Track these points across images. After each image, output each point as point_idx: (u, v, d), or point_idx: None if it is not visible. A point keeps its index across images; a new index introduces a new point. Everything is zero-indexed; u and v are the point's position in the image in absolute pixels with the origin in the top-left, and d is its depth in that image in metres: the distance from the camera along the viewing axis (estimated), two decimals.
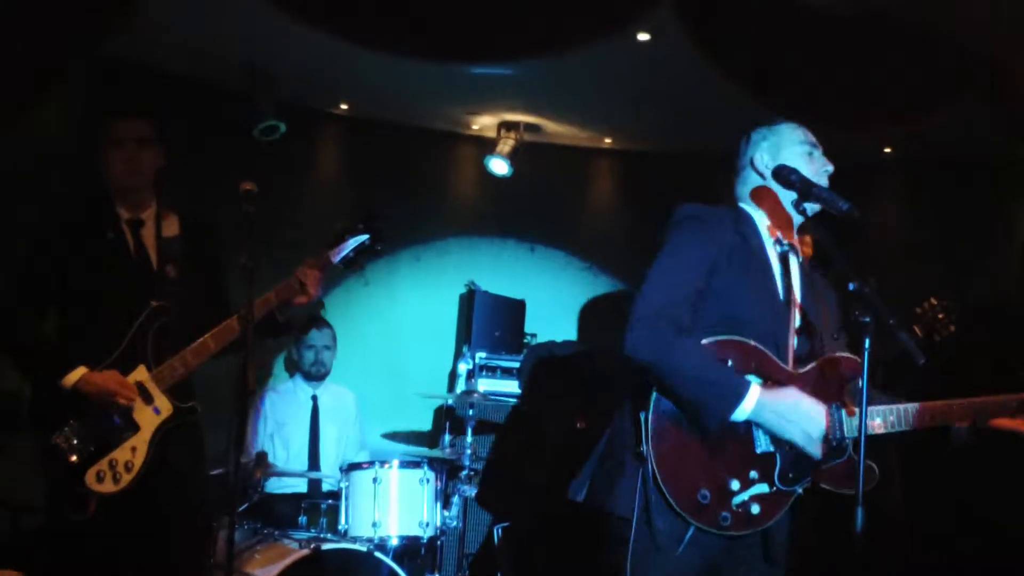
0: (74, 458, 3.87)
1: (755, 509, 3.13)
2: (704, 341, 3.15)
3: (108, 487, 3.90)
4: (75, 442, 3.88)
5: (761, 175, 3.44)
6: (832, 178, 3.41)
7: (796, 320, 3.33)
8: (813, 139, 3.47)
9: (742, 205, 3.48)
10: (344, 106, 8.02)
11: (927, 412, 3.33)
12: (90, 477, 3.88)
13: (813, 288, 3.46)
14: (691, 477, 3.10)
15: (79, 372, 3.91)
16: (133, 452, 3.95)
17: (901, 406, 3.31)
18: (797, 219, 3.42)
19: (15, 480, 5.33)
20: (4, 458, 5.46)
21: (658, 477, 3.07)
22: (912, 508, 5.53)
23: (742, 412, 3.08)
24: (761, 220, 3.43)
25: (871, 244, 7.78)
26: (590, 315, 8.02)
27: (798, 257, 3.46)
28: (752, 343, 3.19)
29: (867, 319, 2.95)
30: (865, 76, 6.17)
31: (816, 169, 3.39)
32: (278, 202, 7.18)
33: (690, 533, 3.10)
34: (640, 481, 3.13)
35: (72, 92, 6.64)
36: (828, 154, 3.46)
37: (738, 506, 3.12)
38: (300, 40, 6.36)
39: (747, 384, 3.09)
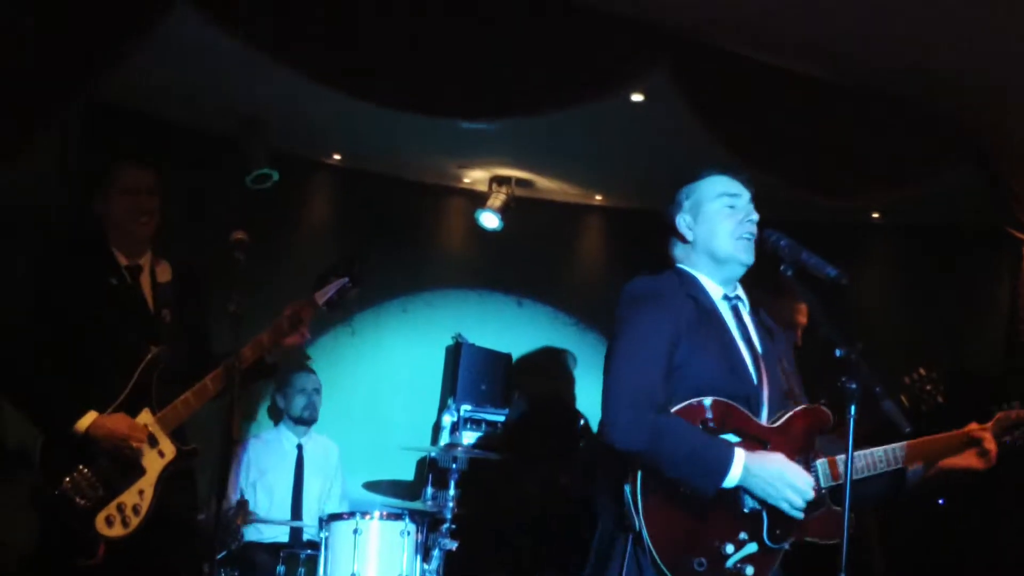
0: (84, 502, 3.89)
1: (749, 571, 3.12)
2: (680, 405, 3.15)
3: (118, 531, 3.93)
4: (84, 487, 3.92)
5: (683, 238, 3.44)
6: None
7: (763, 371, 3.33)
8: (736, 188, 3.42)
9: (680, 266, 3.47)
10: (337, 156, 8.05)
11: (901, 453, 3.42)
12: (100, 522, 3.91)
13: (768, 334, 3.47)
14: (684, 546, 3.08)
15: (90, 417, 3.96)
16: (140, 495, 4.00)
17: (869, 451, 3.37)
18: (736, 271, 3.41)
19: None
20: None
21: (652, 550, 3.04)
22: (892, 565, 5.54)
23: (731, 480, 3.08)
24: (702, 278, 3.42)
25: (856, 309, 7.81)
26: (572, 370, 8.01)
27: (746, 306, 3.46)
28: (728, 402, 3.19)
29: (853, 386, 2.97)
30: (856, 143, 6.23)
31: (738, 220, 3.36)
32: (268, 250, 7.19)
33: None
34: (631, 556, 3.11)
35: (63, 136, 6.67)
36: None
37: (732, 569, 3.11)
38: (293, 90, 6.39)
39: (732, 451, 3.09)
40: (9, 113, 4.73)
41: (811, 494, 3.13)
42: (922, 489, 3.63)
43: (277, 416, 6.73)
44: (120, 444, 3.97)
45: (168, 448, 4.10)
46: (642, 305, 3.30)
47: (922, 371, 5.04)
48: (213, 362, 4.21)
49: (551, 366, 7.92)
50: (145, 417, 4.07)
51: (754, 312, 3.49)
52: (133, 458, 4.01)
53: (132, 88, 6.53)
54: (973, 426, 3.61)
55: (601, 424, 3.16)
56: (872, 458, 3.37)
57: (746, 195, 3.43)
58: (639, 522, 3.06)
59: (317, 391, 6.59)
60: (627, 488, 3.10)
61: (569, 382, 7.83)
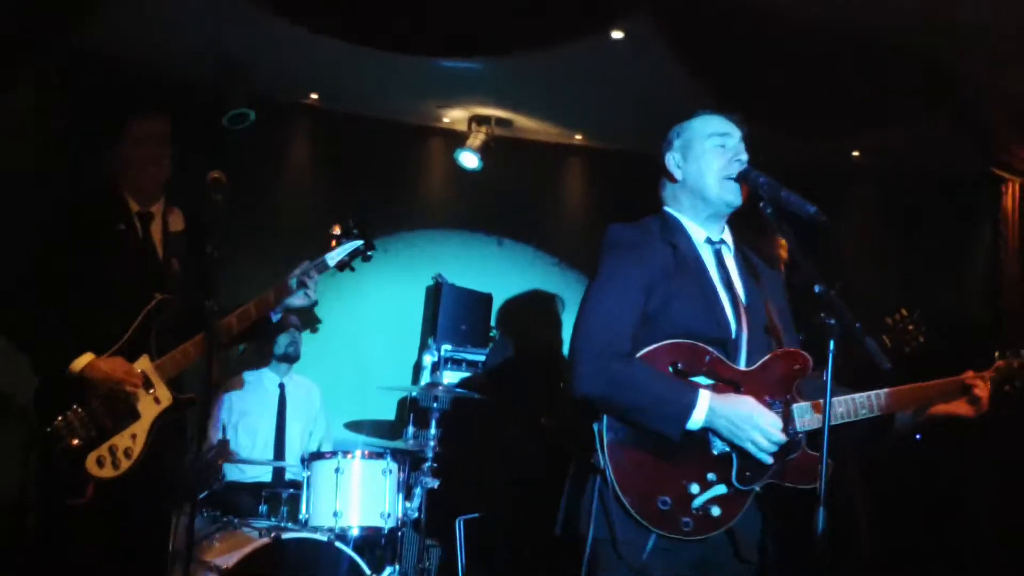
0: (75, 441, 3.92)
1: (715, 511, 3.13)
2: (652, 347, 3.16)
3: (108, 472, 3.95)
4: (77, 427, 3.94)
5: (673, 178, 3.43)
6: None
7: (743, 316, 3.32)
8: (728, 127, 3.41)
9: (666, 209, 3.46)
10: (314, 96, 7.99)
11: (884, 399, 3.36)
12: (90, 462, 3.93)
13: (755, 277, 3.46)
14: (650, 485, 3.10)
15: (86, 358, 3.98)
16: (133, 439, 4.01)
17: (851, 396, 3.33)
18: (722, 211, 3.40)
19: None
20: None
21: (616, 487, 3.07)
22: (874, 509, 5.59)
23: (695, 422, 3.09)
24: (686, 222, 3.41)
25: (836, 251, 7.83)
26: (557, 311, 8.03)
27: (731, 250, 3.46)
28: (700, 345, 3.19)
29: (832, 322, 2.98)
30: (836, 85, 6.22)
31: (727, 160, 3.34)
32: (247, 193, 7.16)
33: (652, 541, 3.09)
34: (597, 494, 3.13)
35: (40, 85, 6.63)
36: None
37: (698, 509, 3.12)
38: (270, 30, 6.33)
39: (695, 393, 3.10)
40: None
41: (780, 436, 3.13)
42: (909, 435, 3.63)
43: (260, 360, 6.71)
44: (115, 387, 3.98)
45: (164, 395, 4.10)
46: (615, 254, 3.30)
47: (904, 312, 5.06)
48: (220, 315, 4.18)
49: (533, 307, 7.94)
50: (143, 363, 4.08)
51: (741, 256, 3.48)
52: (128, 402, 4.02)
53: (108, 35, 6.48)
54: (969, 374, 3.55)
55: (568, 371, 3.19)
56: (853, 404, 3.33)
57: (737, 134, 3.41)
58: (604, 459, 3.09)
59: (298, 328, 6.60)
60: (595, 427, 3.14)
61: (551, 323, 7.84)
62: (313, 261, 4.33)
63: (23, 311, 4.09)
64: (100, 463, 3.94)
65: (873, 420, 3.39)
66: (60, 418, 3.93)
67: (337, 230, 4.43)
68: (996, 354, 3.65)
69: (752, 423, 3.11)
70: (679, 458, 3.13)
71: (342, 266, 4.43)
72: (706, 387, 3.15)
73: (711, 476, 3.15)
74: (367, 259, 4.47)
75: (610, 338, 3.15)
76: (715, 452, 3.16)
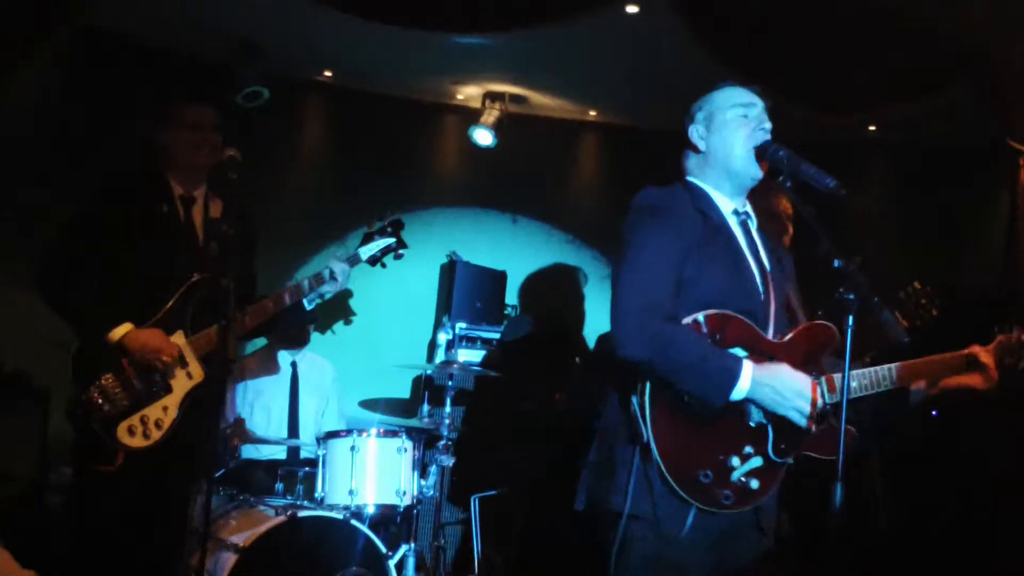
0: (107, 408, 4.01)
1: (754, 484, 3.14)
2: (691, 317, 3.15)
3: (138, 442, 4.05)
4: (110, 394, 4.03)
5: (696, 148, 3.44)
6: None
7: (771, 288, 3.34)
8: (750, 98, 3.42)
9: (691, 179, 3.46)
10: (328, 73, 7.97)
11: (901, 372, 3.43)
12: (121, 430, 4.03)
13: (773, 251, 3.49)
14: (691, 458, 3.10)
15: (125, 327, 4.08)
16: (164, 411, 4.12)
17: (871, 369, 3.38)
18: (746, 183, 3.40)
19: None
20: None
21: (660, 463, 3.06)
22: (889, 483, 5.57)
23: (739, 392, 3.09)
24: (712, 192, 3.42)
25: (853, 224, 7.78)
26: (573, 288, 8.01)
27: (754, 223, 3.47)
28: (736, 315, 3.20)
29: (851, 296, 2.96)
30: (853, 58, 6.17)
31: (751, 129, 3.35)
32: (260, 170, 7.15)
33: (692, 514, 3.10)
34: (637, 468, 3.12)
35: (48, 61, 6.63)
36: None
37: (737, 482, 3.12)
38: (283, 7, 6.31)
39: (740, 363, 3.09)
40: None
41: (818, 402, 3.15)
42: (925, 407, 3.65)
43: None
44: (151, 358, 4.08)
45: (197, 371, 4.21)
46: (651, 217, 3.28)
47: (916, 285, 5.03)
48: (255, 299, 4.39)
49: (548, 283, 7.92)
50: (178, 338, 4.19)
51: (763, 233, 3.49)
52: (162, 374, 4.13)
53: (120, 14, 6.46)
54: (975, 348, 3.63)
55: (611, 334, 3.16)
56: (871, 377, 3.38)
57: (760, 104, 3.42)
58: (647, 433, 3.07)
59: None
60: (635, 400, 3.12)
61: (566, 299, 7.83)
62: (345, 253, 4.56)
63: (64, 277, 4.17)
64: (131, 432, 4.03)
65: (891, 394, 3.43)
66: (95, 385, 4.01)
67: (374, 227, 4.70)
68: (995, 328, 3.69)
69: (794, 391, 3.12)
70: (717, 431, 3.14)
71: (374, 261, 4.69)
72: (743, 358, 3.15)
73: (748, 449, 3.16)
74: (399, 257, 4.75)
75: (651, 300, 3.14)
76: (752, 424, 3.17)
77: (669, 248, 3.21)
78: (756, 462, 3.15)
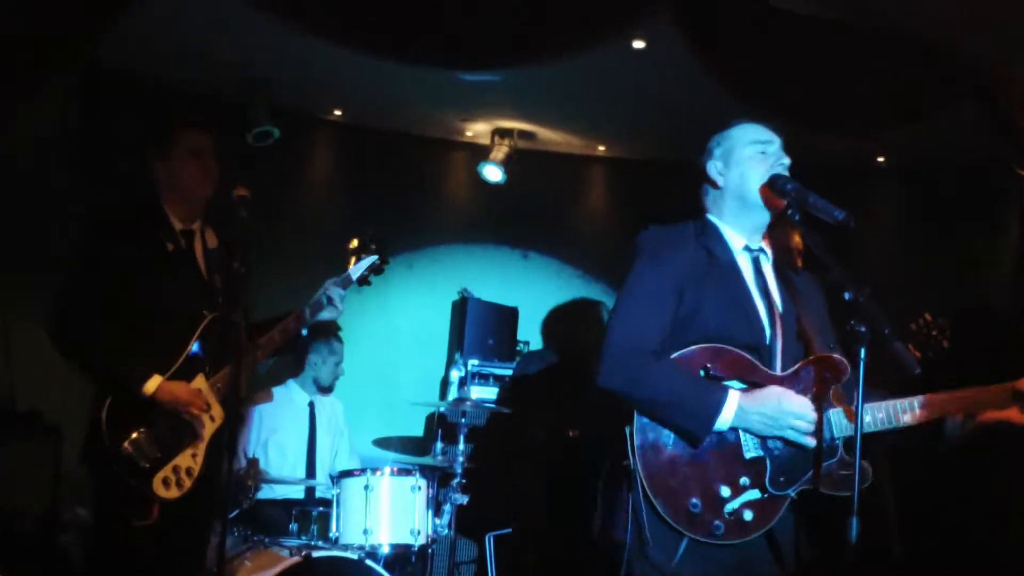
0: (146, 464, 3.94)
1: (748, 516, 3.12)
2: (685, 350, 3.16)
3: (173, 493, 3.99)
4: (145, 449, 3.96)
5: (715, 184, 3.43)
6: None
7: (778, 324, 3.31)
8: (768, 135, 3.42)
9: (708, 216, 3.46)
10: (337, 112, 8.01)
11: (925, 405, 3.27)
12: (157, 483, 3.95)
13: (792, 287, 3.45)
14: (681, 487, 3.10)
15: (156, 381, 4.00)
16: (194, 458, 4.07)
17: (890, 402, 3.26)
18: (765, 217, 3.39)
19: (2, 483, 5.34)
20: None
21: (647, 490, 3.08)
22: (903, 513, 5.54)
23: (723, 423, 3.09)
24: (726, 229, 3.41)
25: (863, 251, 7.77)
26: (585, 323, 8.00)
27: (769, 259, 3.45)
28: (734, 350, 3.19)
29: (863, 329, 2.94)
30: (860, 84, 6.18)
31: (769, 165, 3.35)
32: (271, 208, 7.18)
33: (683, 545, 3.09)
34: (630, 497, 3.13)
35: (60, 97, 6.66)
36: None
37: (730, 514, 3.11)
38: (294, 46, 6.35)
39: (724, 393, 3.10)
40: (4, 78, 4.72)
41: (814, 415, 3.13)
42: (963, 442, 3.57)
43: (286, 374, 6.68)
44: (182, 409, 4.03)
45: (218, 413, 4.17)
46: (647, 255, 3.31)
47: (927, 317, 5.02)
48: (257, 330, 4.30)
49: (560, 318, 7.91)
50: (199, 382, 4.14)
51: (781, 269, 3.47)
52: (189, 422, 4.08)
53: (131, 51, 6.50)
54: (1022, 382, 3.37)
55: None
56: (894, 410, 3.24)
57: (777, 141, 3.42)
58: (635, 461, 3.10)
59: (341, 361, 6.58)
60: (627, 429, 3.14)
61: (578, 334, 7.81)
62: (338, 278, 4.42)
63: (90, 335, 4.07)
64: (166, 484, 3.97)
65: (921, 430, 3.34)
66: (128, 441, 3.93)
67: (355, 244, 4.56)
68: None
69: (784, 411, 3.11)
70: (710, 461, 3.13)
71: (362, 280, 4.55)
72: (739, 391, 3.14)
73: (744, 480, 3.14)
74: (379, 272, 4.59)
75: (636, 336, 3.17)
76: (747, 456, 3.16)
77: (659, 285, 3.24)
78: (753, 494, 3.14)
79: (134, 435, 3.95)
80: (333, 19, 5.87)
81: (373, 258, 4.54)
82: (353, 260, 4.53)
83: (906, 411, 3.27)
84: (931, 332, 4.96)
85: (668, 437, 3.12)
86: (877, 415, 3.24)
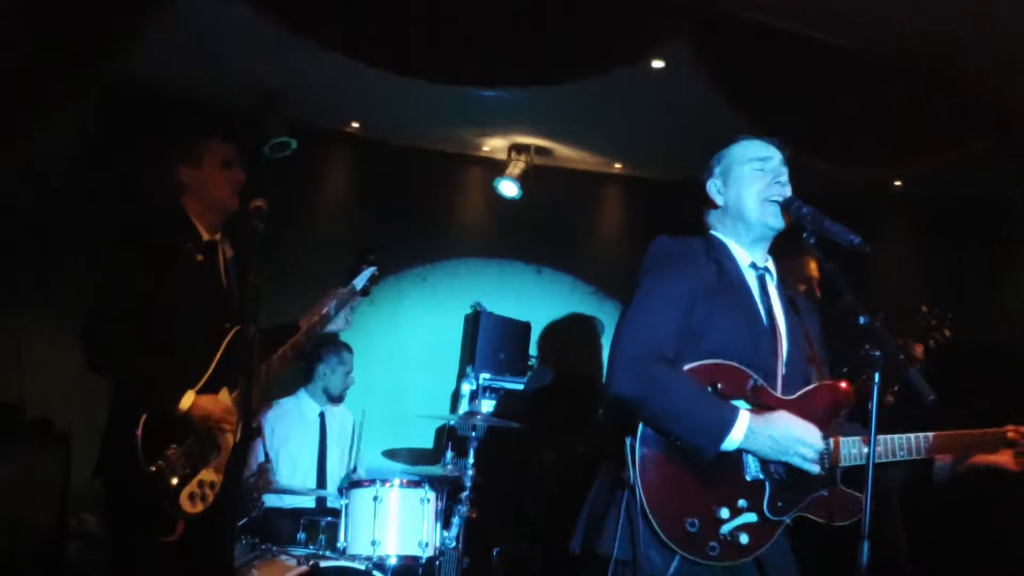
0: (175, 481, 3.89)
1: (744, 539, 3.10)
2: (694, 364, 3.15)
3: (198, 508, 3.94)
4: (176, 466, 3.91)
5: (715, 204, 3.44)
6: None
7: (782, 345, 3.32)
8: (767, 151, 3.41)
9: (712, 232, 3.46)
10: (355, 125, 8.04)
11: (920, 442, 3.31)
12: (183, 499, 3.91)
13: (793, 309, 3.45)
14: (679, 505, 3.07)
15: (191, 397, 3.96)
16: (216, 472, 4.03)
17: (890, 436, 3.29)
18: (765, 234, 3.39)
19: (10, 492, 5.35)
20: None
21: (645, 505, 3.05)
22: (911, 536, 5.53)
23: (731, 442, 3.08)
24: (731, 244, 3.41)
25: (879, 283, 7.77)
26: (596, 340, 8.00)
27: (773, 279, 3.45)
28: (742, 368, 3.18)
29: (877, 354, 2.94)
30: (875, 113, 6.19)
31: (767, 182, 3.35)
32: (286, 220, 7.20)
33: (675, 563, 3.05)
34: (624, 511, 3.11)
35: (80, 112, 6.71)
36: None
37: (726, 535, 3.09)
38: (312, 60, 6.38)
39: (735, 413, 3.08)
40: (22, 94, 4.73)
41: (822, 445, 3.12)
42: (951, 482, 3.56)
43: (296, 384, 6.70)
44: (213, 426, 4.00)
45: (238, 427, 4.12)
46: (660, 264, 3.31)
47: (924, 308, 5.05)
48: (271, 341, 4.30)
49: (571, 334, 7.91)
50: (224, 396, 4.09)
51: (783, 289, 3.47)
52: (215, 437, 4.04)
53: (149, 65, 6.54)
54: (1010, 428, 3.44)
55: (607, 372, 3.17)
56: (891, 444, 3.28)
57: (777, 157, 3.41)
58: (634, 474, 3.07)
59: (351, 371, 6.60)
60: (628, 440, 3.11)
61: (589, 350, 7.82)
62: (344, 289, 4.54)
63: (124, 350, 4.00)
64: (192, 499, 3.92)
65: (913, 463, 3.35)
66: (162, 459, 3.88)
67: (355, 259, 4.68)
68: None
69: (794, 437, 3.10)
70: (711, 481, 3.11)
71: (364, 292, 4.65)
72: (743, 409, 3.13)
73: (742, 503, 3.12)
74: (375, 282, 4.70)
75: (651, 342, 3.14)
76: (748, 478, 3.15)
77: (673, 294, 3.22)
78: (750, 517, 3.12)
79: (168, 452, 3.89)
80: (352, 34, 5.90)
81: (372, 270, 4.64)
82: (354, 272, 4.63)
83: (902, 447, 3.30)
84: (931, 322, 4.99)
85: (670, 452, 3.09)
86: (876, 448, 3.21)
